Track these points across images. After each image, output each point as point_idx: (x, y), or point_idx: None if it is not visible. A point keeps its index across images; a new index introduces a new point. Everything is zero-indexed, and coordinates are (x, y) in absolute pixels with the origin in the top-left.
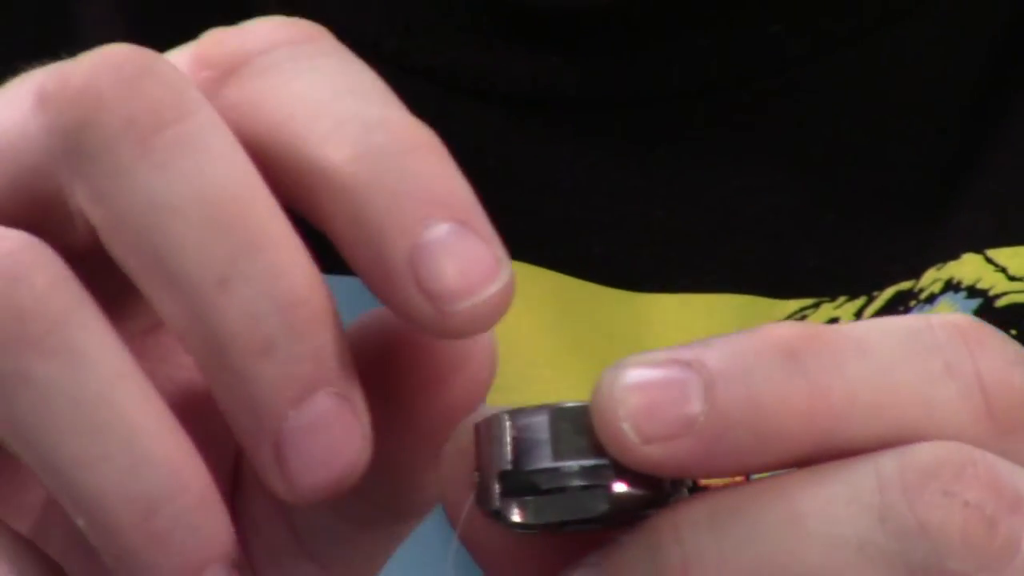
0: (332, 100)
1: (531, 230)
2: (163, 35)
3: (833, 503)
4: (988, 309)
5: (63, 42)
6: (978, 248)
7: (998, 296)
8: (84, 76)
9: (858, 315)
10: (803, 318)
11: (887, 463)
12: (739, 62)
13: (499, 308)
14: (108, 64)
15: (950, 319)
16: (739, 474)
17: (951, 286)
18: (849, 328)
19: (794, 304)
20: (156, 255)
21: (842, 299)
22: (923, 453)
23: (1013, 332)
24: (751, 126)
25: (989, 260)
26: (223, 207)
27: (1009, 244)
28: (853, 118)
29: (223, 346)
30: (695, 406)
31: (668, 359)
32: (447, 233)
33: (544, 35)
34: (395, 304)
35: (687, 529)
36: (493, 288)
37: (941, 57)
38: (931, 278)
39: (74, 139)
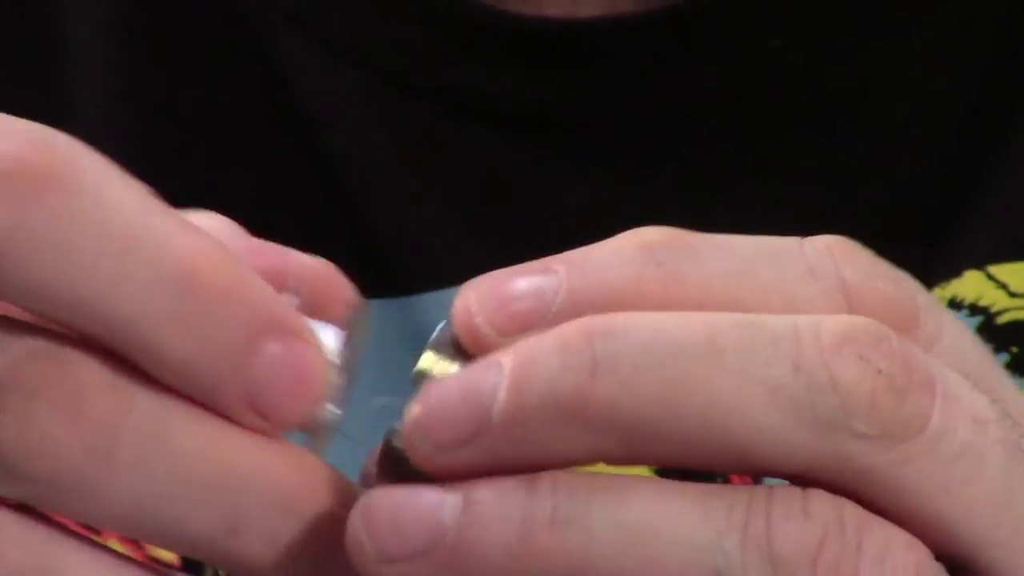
0: None
1: (532, 252)
2: (154, 54)
3: (753, 344)
4: (989, 326)
5: (53, 59)
6: (980, 265)
7: (999, 313)
8: None
9: None
10: None
11: (805, 322)
12: (740, 80)
13: None
14: None
15: (819, 238)
16: None
17: (953, 304)
18: (715, 235)
19: None
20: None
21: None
22: (841, 320)
23: (1014, 350)
24: (752, 145)
25: (990, 277)
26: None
27: (1010, 260)
28: (854, 135)
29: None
30: (551, 301)
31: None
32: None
33: (546, 57)
34: None
35: (600, 338)
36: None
37: (942, 73)
38: (935, 296)
39: None
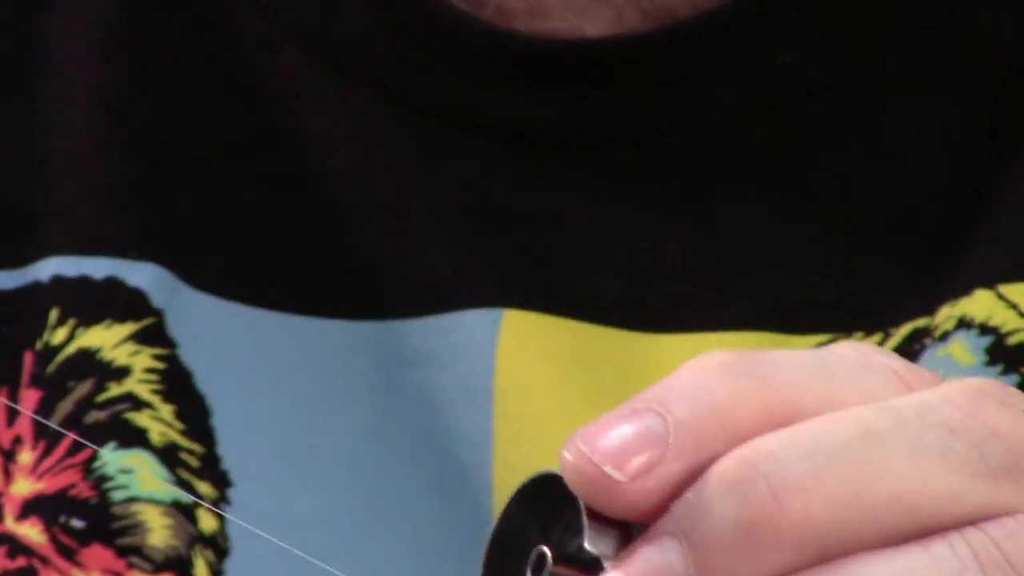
0: None
1: (544, 273)
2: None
3: (902, 422)
4: (999, 347)
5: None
6: (990, 284)
7: (1010, 334)
8: None
9: None
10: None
11: (928, 395)
12: (749, 95)
13: None
14: None
15: (838, 345)
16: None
17: (964, 323)
18: (768, 350)
19: (809, 340)
20: None
21: (858, 334)
22: (963, 382)
23: None
24: (763, 160)
25: (1001, 296)
26: None
27: (1021, 280)
28: (866, 150)
29: None
30: (660, 430)
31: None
32: None
33: (553, 74)
34: None
35: (763, 461)
36: None
37: (951, 90)
38: (945, 315)
39: None
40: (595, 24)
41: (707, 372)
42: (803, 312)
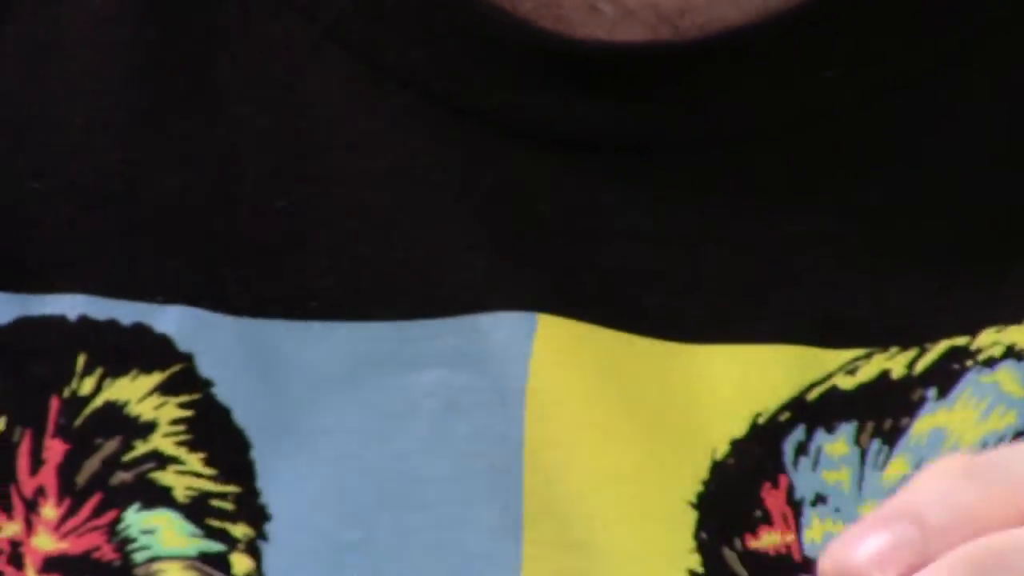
0: None
1: (580, 281)
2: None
3: None
4: None
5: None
6: None
7: None
8: None
9: (910, 367)
10: (855, 369)
11: None
12: (792, 108)
13: None
14: None
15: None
16: None
17: (1012, 353)
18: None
19: (846, 354)
20: None
21: (894, 350)
22: None
23: None
24: (802, 172)
25: None
26: None
27: None
28: (907, 163)
29: None
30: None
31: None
32: None
33: (595, 79)
34: None
35: (1011, 553)
36: None
37: (1000, 102)
38: (990, 339)
39: None
40: (627, 30)
41: (954, 477)
42: (840, 326)
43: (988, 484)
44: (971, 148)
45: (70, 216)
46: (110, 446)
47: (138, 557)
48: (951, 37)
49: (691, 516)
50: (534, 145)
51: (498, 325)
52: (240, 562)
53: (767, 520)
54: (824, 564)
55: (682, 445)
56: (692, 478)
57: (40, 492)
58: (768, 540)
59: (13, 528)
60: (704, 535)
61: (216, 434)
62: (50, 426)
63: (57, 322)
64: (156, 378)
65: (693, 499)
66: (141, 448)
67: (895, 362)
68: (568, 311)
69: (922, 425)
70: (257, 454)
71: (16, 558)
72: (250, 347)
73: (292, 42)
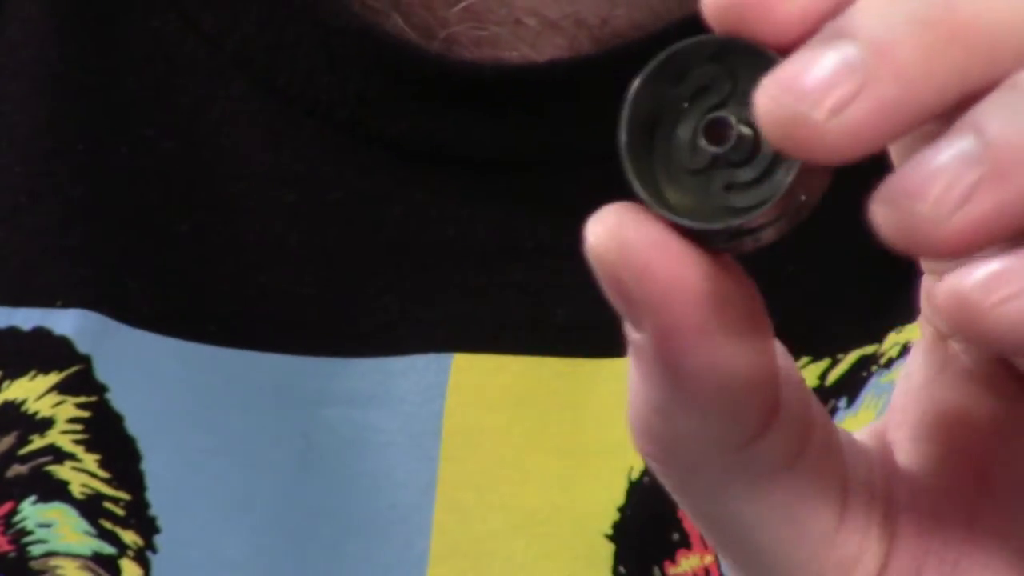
0: None
1: (493, 310)
2: (84, 110)
3: None
4: None
5: None
6: None
7: None
8: None
9: (822, 378)
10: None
11: None
12: None
13: None
14: None
15: None
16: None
17: (907, 350)
18: None
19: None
20: None
21: (805, 360)
22: None
23: None
24: None
25: None
26: None
27: None
28: None
29: None
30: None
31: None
32: None
33: (498, 101)
34: None
35: None
36: None
37: None
38: (891, 342)
39: None
40: (545, 53)
41: None
42: (803, 335)
43: None
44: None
45: None
46: (6, 441)
47: (35, 550)
48: None
49: (608, 549)
50: (438, 167)
51: (412, 368)
52: (130, 569)
53: (685, 543)
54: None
55: (600, 470)
56: (609, 506)
57: None
58: (687, 564)
59: None
60: (622, 569)
61: (110, 439)
62: None
63: None
64: (54, 378)
65: (609, 531)
66: (38, 442)
67: (807, 373)
68: (481, 345)
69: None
70: (147, 466)
71: None
72: (146, 359)
73: (198, 67)
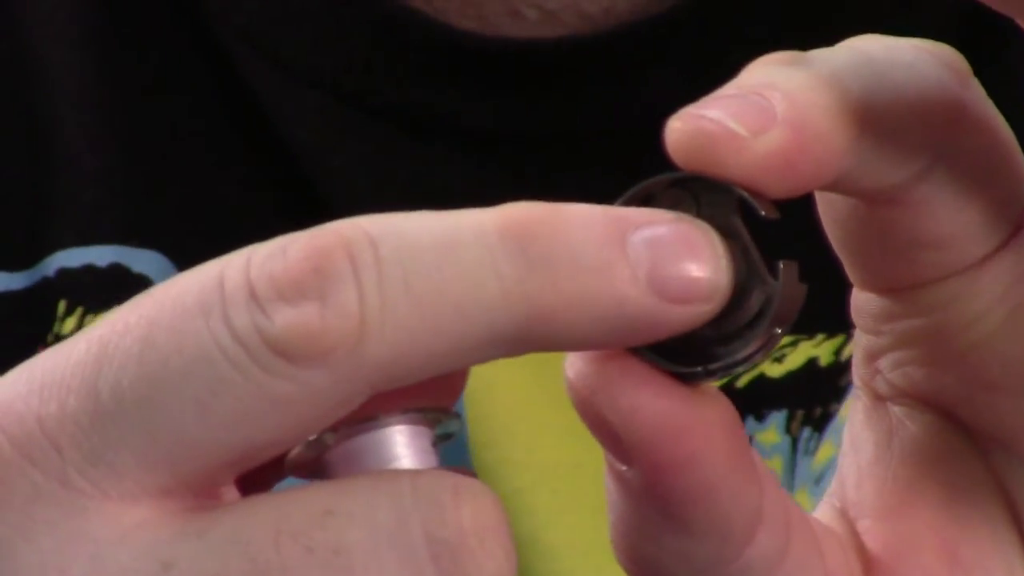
0: None
1: None
2: (128, 73)
3: None
4: None
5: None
6: None
7: None
8: None
9: (837, 353)
10: (782, 357)
11: None
12: (700, 92)
13: None
14: None
15: None
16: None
17: None
18: None
19: None
20: None
21: (820, 337)
22: None
23: None
24: None
25: None
26: None
27: None
28: None
29: None
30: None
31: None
32: None
33: (505, 76)
34: None
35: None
36: None
37: None
38: None
39: None
40: (550, 28)
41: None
42: None
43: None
44: None
45: (42, 182)
46: None
47: None
48: (857, 21)
49: None
50: (444, 140)
51: None
52: None
53: None
54: (675, 125)
55: None
56: None
57: None
58: None
59: None
60: None
61: None
62: None
63: (39, 284)
64: None
65: None
66: None
67: (822, 349)
68: None
69: (847, 407)
70: None
71: None
72: None
73: (216, 39)
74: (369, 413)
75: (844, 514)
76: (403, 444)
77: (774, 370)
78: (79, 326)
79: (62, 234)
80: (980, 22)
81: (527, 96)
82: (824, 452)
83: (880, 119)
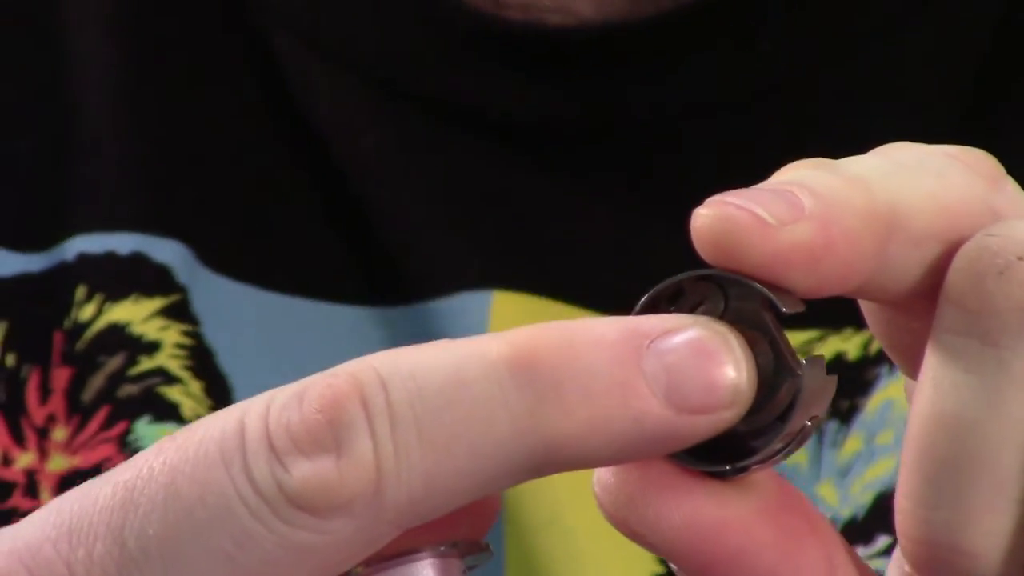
0: None
1: (530, 256)
2: (155, 58)
3: None
4: None
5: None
6: None
7: None
8: None
9: (865, 347)
10: (810, 352)
11: None
12: (732, 85)
13: None
14: None
15: None
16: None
17: None
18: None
19: (800, 336)
20: None
21: (849, 331)
22: None
23: None
24: (747, 148)
25: None
26: None
27: None
28: (845, 139)
29: None
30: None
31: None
32: None
33: (540, 64)
34: None
35: None
36: None
37: (933, 73)
38: None
39: None
40: (583, 15)
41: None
42: None
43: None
44: (901, 123)
45: (65, 166)
46: (114, 362)
47: None
48: (883, 13)
49: None
50: (479, 130)
51: (455, 308)
52: None
53: None
54: (701, 212)
55: None
56: None
57: (50, 419)
58: None
59: (27, 458)
60: None
61: (210, 371)
62: (55, 358)
63: (57, 268)
64: (158, 302)
65: None
66: (147, 363)
67: (851, 343)
68: (520, 285)
69: (874, 400)
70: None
71: (31, 487)
72: (226, 303)
73: (252, 23)
74: (403, 546)
75: None
76: None
77: None
78: (98, 313)
79: (82, 218)
80: (1014, 28)
81: (557, 87)
82: (851, 445)
83: (910, 225)
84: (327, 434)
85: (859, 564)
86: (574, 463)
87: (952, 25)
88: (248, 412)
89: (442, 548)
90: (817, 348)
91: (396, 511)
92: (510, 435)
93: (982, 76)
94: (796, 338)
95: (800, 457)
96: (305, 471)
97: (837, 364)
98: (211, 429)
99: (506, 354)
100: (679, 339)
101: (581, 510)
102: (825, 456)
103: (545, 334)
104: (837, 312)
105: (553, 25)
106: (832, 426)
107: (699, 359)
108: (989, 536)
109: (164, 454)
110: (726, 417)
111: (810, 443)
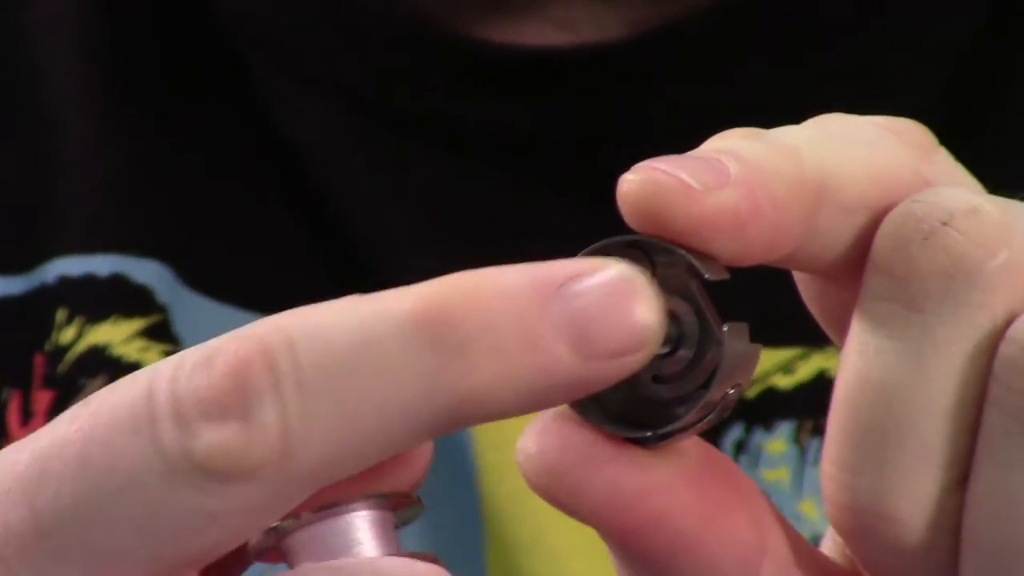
0: None
1: None
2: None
3: None
4: None
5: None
6: None
7: None
8: None
9: None
10: (792, 368)
11: None
12: (714, 102)
13: None
14: None
15: None
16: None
17: None
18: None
19: (783, 354)
20: None
21: (831, 349)
22: None
23: None
24: None
25: None
26: None
27: None
28: None
29: None
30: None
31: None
32: None
33: (519, 84)
34: None
35: None
36: None
37: (916, 92)
38: None
39: None
40: (564, 35)
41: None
42: (776, 325)
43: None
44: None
45: (42, 188)
46: (96, 384)
47: None
48: (873, 30)
49: None
50: (459, 149)
51: None
52: None
53: None
54: (628, 178)
55: None
56: None
57: None
58: None
59: None
60: None
61: None
62: (36, 381)
63: (37, 291)
64: (138, 323)
65: None
66: None
67: (834, 361)
68: None
69: None
70: None
71: None
72: (206, 323)
73: (230, 43)
74: (328, 497)
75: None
76: (364, 530)
77: (784, 382)
78: (79, 335)
79: (62, 240)
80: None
81: (540, 105)
82: None
83: (840, 194)
84: (234, 400)
85: (791, 534)
86: (485, 417)
87: (934, 29)
88: (158, 376)
89: (372, 499)
90: (800, 365)
91: (306, 475)
92: (419, 395)
93: (966, 78)
94: (778, 356)
95: (782, 474)
96: (212, 438)
97: (819, 382)
98: (123, 395)
99: (412, 309)
100: (589, 282)
101: (564, 530)
102: (807, 474)
103: (454, 288)
104: (820, 329)
105: (533, 45)
106: (815, 444)
107: (610, 300)
108: (914, 502)
109: (78, 420)
110: (636, 359)
111: (792, 461)
